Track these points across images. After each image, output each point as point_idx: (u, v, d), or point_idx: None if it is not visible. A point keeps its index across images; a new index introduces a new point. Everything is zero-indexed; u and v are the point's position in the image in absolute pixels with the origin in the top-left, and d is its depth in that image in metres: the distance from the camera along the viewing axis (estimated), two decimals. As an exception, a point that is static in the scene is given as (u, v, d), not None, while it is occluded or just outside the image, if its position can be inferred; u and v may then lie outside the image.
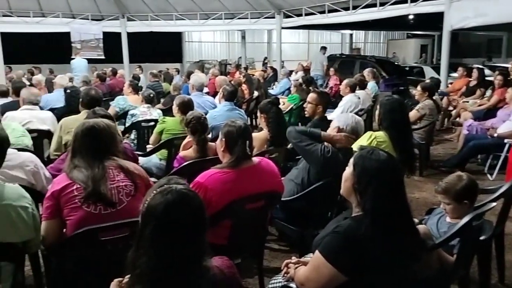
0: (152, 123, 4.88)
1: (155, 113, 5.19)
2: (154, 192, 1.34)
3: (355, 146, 2.88)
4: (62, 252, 2.14)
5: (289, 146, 3.77)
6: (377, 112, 3.54)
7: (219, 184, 2.30)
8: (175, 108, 4.27)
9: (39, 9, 13.72)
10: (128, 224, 2.06)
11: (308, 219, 2.87)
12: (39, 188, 2.67)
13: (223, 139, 2.45)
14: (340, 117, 2.90)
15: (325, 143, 2.90)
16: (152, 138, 4.34)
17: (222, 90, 4.86)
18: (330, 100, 4.46)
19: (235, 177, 2.35)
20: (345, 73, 10.75)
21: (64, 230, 2.13)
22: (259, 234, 2.69)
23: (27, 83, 7.69)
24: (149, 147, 4.36)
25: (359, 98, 6.14)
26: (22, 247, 1.95)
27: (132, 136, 5.02)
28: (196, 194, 1.40)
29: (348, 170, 1.78)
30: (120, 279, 1.46)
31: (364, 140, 3.18)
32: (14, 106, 4.83)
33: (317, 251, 1.68)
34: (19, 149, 2.88)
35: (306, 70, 12.71)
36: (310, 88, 7.87)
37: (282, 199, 2.69)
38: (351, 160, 1.79)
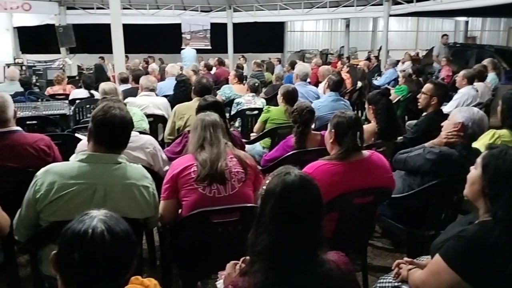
0: (256, 112, 4.98)
1: (259, 102, 5.28)
2: (273, 176, 1.36)
3: (477, 145, 2.64)
4: (177, 230, 2.28)
5: (399, 139, 3.59)
6: (499, 108, 3.21)
7: (327, 176, 2.25)
8: (279, 98, 4.30)
9: (154, 1, 14.74)
10: (239, 208, 2.13)
11: (419, 219, 2.69)
12: (156, 169, 2.87)
13: (332, 130, 2.40)
14: (462, 112, 2.65)
15: (427, 146, 2.73)
16: (256, 127, 4.42)
17: (328, 80, 4.77)
18: (448, 93, 4.13)
19: (344, 169, 2.29)
20: (459, 63, 9.90)
21: (180, 210, 2.26)
22: (365, 230, 2.60)
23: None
24: (253, 135, 4.44)
25: (477, 91, 5.61)
26: (143, 223, 2.10)
27: (237, 124, 5.17)
28: (314, 180, 1.38)
29: (476, 172, 1.62)
30: (236, 261, 1.49)
31: (485, 140, 2.90)
32: (134, 92, 5.25)
33: (437, 255, 1.56)
34: (140, 132, 3.11)
35: (415, 60, 11.97)
36: (420, 79, 7.40)
37: (392, 196, 2.56)
38: (479, 161, 1.62)
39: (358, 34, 21.19)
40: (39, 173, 1.90)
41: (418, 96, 3.87)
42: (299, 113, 3.29)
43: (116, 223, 1.13)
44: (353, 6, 13.86)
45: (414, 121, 4.34)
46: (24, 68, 12.05)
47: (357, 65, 10.34)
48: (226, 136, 2.44)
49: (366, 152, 2.40)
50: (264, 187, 1.35)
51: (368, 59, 13.09)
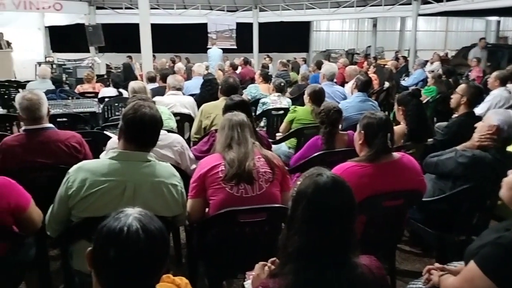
0: (282, 112, 4.96)
1: (285, 101, 5.25)
2: (304, 177, 1.34)
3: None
4: (204, 229, 2.29)
5: (429, 142, 3.51)
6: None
7: (356, 177, 2.21)
8: (306, 98, 4.26)
9: (181, 1, 14.90)
10: (266, 209, 2.12)
11: (449, 224, 2.63)
12: (183, 167, 2.89)
13: (362, 132, 2.36)
14: (498, 114, 2.57)
15: (458, 149, 2.65)
16: (282, 127, 4.40)
17: (356, 80, 4.70)
18: (481, 95, 4.01)
19: (373, 171, 2.25)
20: (491, 64, 9.62)
21: (207, 209, 2.27)
22: (394, 233, 2.55)
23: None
24: (279, 135, 4.43)
25: (510, 92, 5.43)
26: (171, 221, 2.11)
27: (262, 123, 5.16)
28: (346, 181, 1.35)
29: None
30: (265, 262, 1.48)
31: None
32: (161, 91, 5.32)
33: (472, 262, 1.51)
34: (167, 131, 3.14)
35: (444, 60, 11.71)
36: (450, 80, 7.23)
37: (422, 199, 2.50)
38: None
39: (385, 33, 20.86)
40: (71, 170, 1.93)
41: (452, 97, 3.77)
42: (326, 114, 3.26)
43: (150, 222, 1.14)
44: (380, 5, 13.67)
45: (444, 123, 4.24)
46: (54, 66, 12.35)
47: (385, 65, 10.17)
48: (254, 136, 2.44)
49: (396, 154, 2.35)
50: (295, 188, 1.33)
51: (396, 59, 12.89)
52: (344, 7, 14.33)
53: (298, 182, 1.34)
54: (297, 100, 5.89)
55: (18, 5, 13.45)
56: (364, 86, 4.64)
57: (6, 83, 8.73)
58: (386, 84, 7.78)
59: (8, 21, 14.53)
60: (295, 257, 1.25)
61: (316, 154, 3.11)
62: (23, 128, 2.76)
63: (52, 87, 6.30)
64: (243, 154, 2.22)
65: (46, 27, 15.86)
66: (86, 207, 1.87)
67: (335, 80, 6.02)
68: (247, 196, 2.17)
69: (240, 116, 2.43)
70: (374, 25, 17.27)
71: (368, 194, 2.20)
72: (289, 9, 15.05)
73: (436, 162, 2.75)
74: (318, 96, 4.14)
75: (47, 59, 13.70)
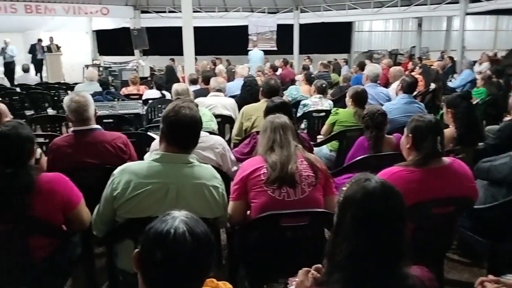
0: (323, 114, 4.89)
1: (326, 103, 5.18)
2: (351, 183, 1.30)
3: None
4: (246, 231, 2.27)
5: (480, 146, 3.34)
6: None
7: (404, 183, 2.12)
8: (348, 100, 4.18)
9: (223, 4, 15.07)
10: (309, 213, 2.08)
11: (502, 232, 2.48)
12: (225, 169, 2.89)
13: (410, 135, 2.28)
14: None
15: None
16: (323, 129, 4.33)
17: (401, 81, 4.55)
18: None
19: (421, 176, 2.16)
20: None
21: (248, 212, 2.26)
22: (443, 241, 2.43)
23: (210, 73, 8.53)
24: (320, 137, 4.36)
25: None
26: (212, 223, 2.11)
27: (302, 125, 5.11)
28: (395, 187, 1.29)
29: None
30: (308, 269, 1.44)
31: None
32: (204, 93, 5.37)
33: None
34: (209, 133, 3.16)
35: (493, 61, 11.18)
36: (501, 81, 6.88)
37: (474, 206, 2.38)
38: None
39: (431, 33, 20.20)
40: (116, 171, 1.97)
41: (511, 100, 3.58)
42: (371, 117, 3.18)
43: (197, 225, 1.13)
44: (426, 4, 13.25)
45: (495, 126, 4.04)
46: (101, 69, 12.83)
47: (431, 65, 9.84)
48: (296, 139, 2.40)
49: (446, 159, 2.25)
50: (342, 194, 1.29)
51: (442, 59, 12.44)
52: (387, 6, 13.99)
53: (344, 188, 1.30)
54: (339, 102, 5.79)
55: (67, 11, 14.08)
56: (410, 88, 4.48)
57: (56, 85, 9.16)
58: (432, 86, 7.51)
59: (58, 25, 15.24)
60: (343, 266, 1.20)
61: (360, 157, 3.03)
62: (71, 129, 2.85)
63: (99, 89, 6.52)
64: (285, 157, 2.19)
65: (93, 31, 16.51)
66: (130, 208, 1.90)
67: (378, 81, 5.88)
68: (289, 200, 2.14)
69: (282, 118, 2.40)
70: (419, 25, 16.78)
71: (416, 201, 2.10)
72: (330, 10, 14.88)
73: (488, 167, 2.62)
74: (361, 98, 4.05)
75: (94, 62, 14.25)
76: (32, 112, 7.16)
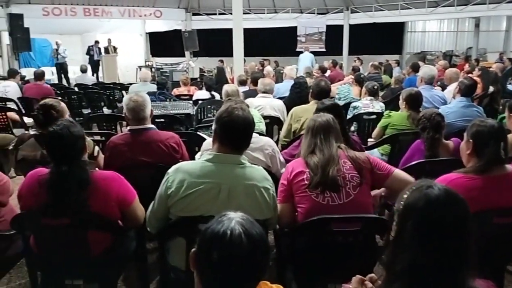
0: (374, 116, 4.77)
1: (377, 106, 5.05)
2: (411, 190, 1.25)
3: None
4: (295, 234, 2.25)
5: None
6: None
7: (463, 190, 2.00)
8: (401, 102, 4.05)
9: (272, 5, 15.11)
10: (361, 219, 2.03)
11: None
12: (274, 170, 2.87)
13: (471, 141, 2.17)
14: None
15: None
16: (375, 132, 4.23)
17: (459, 84, 4.36)
18: None
19: (483, 184, 2.05)
20: None
21: (296, 213, 2.24)
22: (504, 253, 2.30)
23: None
24: (371, 140, 4.26)
25: None
26: (262, 224, 2.11)
27: (352, 128, 5.01)
28: (459, 194, 1.23)
29: None
30: (363, 277, 1.40)
31: None
32: (253, 94, 5.41)
33: None
34: (258, 134, 3.17)
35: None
36: None
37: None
38: None
39: (489, 34, 19.15)
40: (170, 170, 2.01)
41: None
42: (428, 118, 3.06)
43: (252, 226, 1.13)
44: (485, 3, 12.63)
45: None
46: (153, 70, 13.24)
47: (489, 67, 9.36)
48: (340, 138, 2.35)
49: (510, 167, 2.12)
50: (402, 202, 1.24)
51: (501, 61, 11.78)
52: (443, 6, 13.46)
53: (405, 196, 1.25)
54: (390, 104, 5.63)
55: (123, 13, 14.66)
56: (468, 91, 4.27)
57: (111, 85, 9.55)
58: (491, 89, 7.13)
59: (114, 28, 15.89)
60: (403, 276, 1.16)
61: (415, 162, 2.93)
62: (128, 128, 2.96)
63: (153, 89, 6.72)
64: (326, 160, 2.17)
65: (146, 33, 17.06)
66: (183, 207, 1.94)
67: (438, 83, 5.66)
68: (334, 204, 2.11)
69: (324, 117, 2.37)
70: (477, 25, 16.00)
71: (476, 209, 1.99)
72: (382, 10, 14.52)
73: None
74: (415, 101, 3.91)
75: (147, 63, 14.72)
76: (88, 110, 7.50)
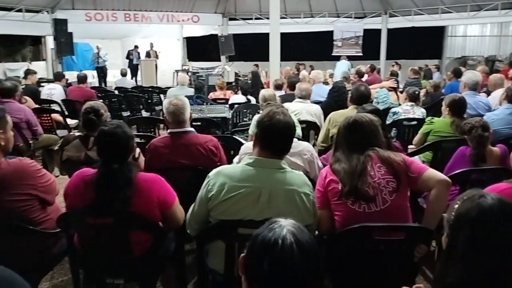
0: (415, 122, 4.66)
1: (418, 111, 4.93)
2: (462, 199, 1.20)
3: None
4: (334, 242, 2.21)
5: None
6: None
7: (513, 201, 1.93)
8: (444, 109, 3.92)
9: (308, 10, 15.05)
10: (404, 228, 1.97)
11: None
12: (312, 176, 2.83)
13: (520, 150, 2.07)
14: None
15: None
16: (416, 138, 4.11)
17: (506, 90, 4.19)
18: None
19: (536, 196, 1.94)
20: None
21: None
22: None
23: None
24: (411, 147, 4.15)
25: None
26: (302, 230, 2.08)
27: (392, 134, 4.90)
28: None
29: None
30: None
31: None
32: (289, 98, 5.39)
33: None
34: (297, 139, 3.14)
35: None
36: None
37: None
38: None
39: (535, 38, 18.35)
40: (211, 174, 2.02)
41: None
42: (473, 125, 2.96)
43: (303, 235, 1.10)
44: (532, 6, 12.13)
45: None
46: (190, 74, 13.44)
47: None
48: (375, 141, 2.23)
49: None
50: (453, 212, 1.19)
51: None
52: (486, 10, 13.00)
53: (456, 206, 1.20)
54: (430, 110, 5.49)
55: (162, 18, 15.00)
56: (516, 97, 4.10)
57: (150, 89, 9.76)
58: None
59: (152, 33, 16.27)
60: None
61: (459, 171, 2.82)
62: (168, 131, 3.00)
63: (190, 93, 6.81)
64: (352, 169, 2.10)
65: (184, 38, 17.36)
66: (223, 210, 1.94)
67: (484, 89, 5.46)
68: (371, 211, 2.05)
69: (356, 118, 2.29)
70: (522, 29, 15.36)
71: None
72: (422, 14, 14.18)
73: None
74: (459, 107, 3.79)
75: (184, 67, 14.96)
76: (128, 113, 7.69)
